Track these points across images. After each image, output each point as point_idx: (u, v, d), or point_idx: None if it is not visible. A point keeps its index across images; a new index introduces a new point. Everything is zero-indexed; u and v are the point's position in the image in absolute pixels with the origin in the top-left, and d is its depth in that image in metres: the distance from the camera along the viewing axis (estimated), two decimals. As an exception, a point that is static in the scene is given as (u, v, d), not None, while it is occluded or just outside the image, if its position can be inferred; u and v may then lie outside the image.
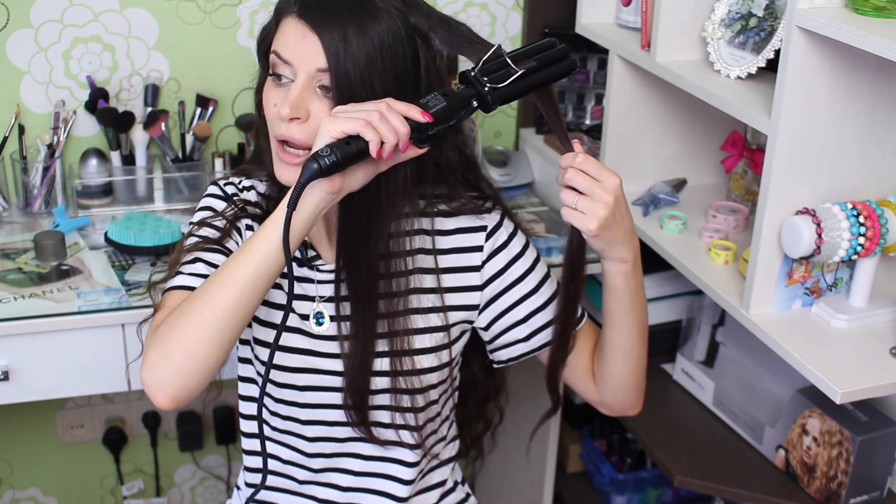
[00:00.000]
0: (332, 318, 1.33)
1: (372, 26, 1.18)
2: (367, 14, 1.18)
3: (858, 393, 1.34)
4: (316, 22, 1.17)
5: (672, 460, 1.69)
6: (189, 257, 1.29)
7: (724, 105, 1.50)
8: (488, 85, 1.18)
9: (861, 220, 1.40)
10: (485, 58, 1.21)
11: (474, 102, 1.19)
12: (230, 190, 1.38)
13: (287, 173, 1.22)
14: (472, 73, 1.19)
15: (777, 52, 1.48)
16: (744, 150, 1.78)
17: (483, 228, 1.35)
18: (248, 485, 1.48)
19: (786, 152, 1.39)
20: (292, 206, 1.11)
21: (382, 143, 1.11)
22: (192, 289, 1.26)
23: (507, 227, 1.37)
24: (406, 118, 1.13)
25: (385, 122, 1.11)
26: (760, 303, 1.48)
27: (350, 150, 1.11)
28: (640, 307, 1.35)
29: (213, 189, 1.39)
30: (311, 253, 1.35)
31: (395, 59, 1.19)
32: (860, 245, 1.40)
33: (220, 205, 1.37)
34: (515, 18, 2.14)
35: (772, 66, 1.48)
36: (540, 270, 1.40)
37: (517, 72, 1.20)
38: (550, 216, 2.00)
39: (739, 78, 1.56)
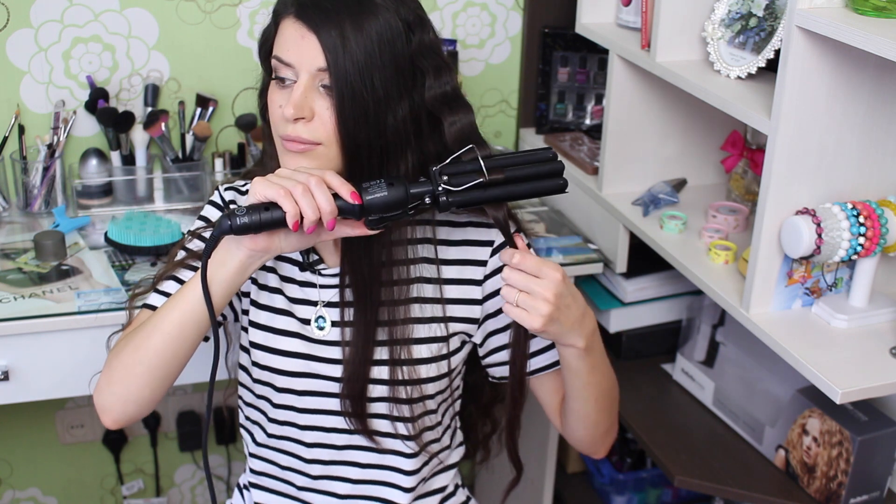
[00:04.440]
0: (333, 324, 1.33)
1: (369, 22, 1.17)
2: (364, 10, 1.18)
3: (858, 393, 1.34)
4: (313, 21, 1.17)
5: (672, 460, 1.69)
6: (168, 273, 1.33)
7: (724, 105, 1.50)
8: (442, 186, 1.15)
9: (861, 220, 1.40)
10: (454, 155, 1.18)
11: (427, 199, 1.16)
12: (229, 196, 1.38)
13: (292, 164, 1.21)
14: (433, 169, 1.16)
15: (777, 52, 1.48)
16: (744, 150, 1.78)
17: (490, 243, 1.34)
18: (253, 485, 1.48)
19: (786, 152, 1.39)
20: (206, 256, 1.14)
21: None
22: (156, 309, 1.30)
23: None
24: (336, 196, 1.12)
25: (307, 197, 1.10)
26: (760, 303, 1.48)
27: (267, 217, 1.11)
28: (597, 381, 1.31)
29: (213, 196, 1.40)
30: (314, 257, 1.35)
31: (394, 53, 1.19)
32: (860, 245, 1.40)
33: (216, 214, 1.37)
34: (515, 18, 2.14)
35: (772, 66, 1.48)
36: None
37: (476, 181, 1.16)
38: (550, 216, 2.00)
39: (739, 78, 1.56)
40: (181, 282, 1.32)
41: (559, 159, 1.20)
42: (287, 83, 1.21)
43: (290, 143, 1.20)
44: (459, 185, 1.15)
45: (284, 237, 1.17)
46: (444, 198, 1.15)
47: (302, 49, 1.18)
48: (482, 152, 1.19)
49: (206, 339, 1.31)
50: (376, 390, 1.32)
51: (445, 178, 1.15)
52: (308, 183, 1.11)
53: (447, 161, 1.17)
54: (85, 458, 2.28)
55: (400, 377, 1.31)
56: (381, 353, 1.31)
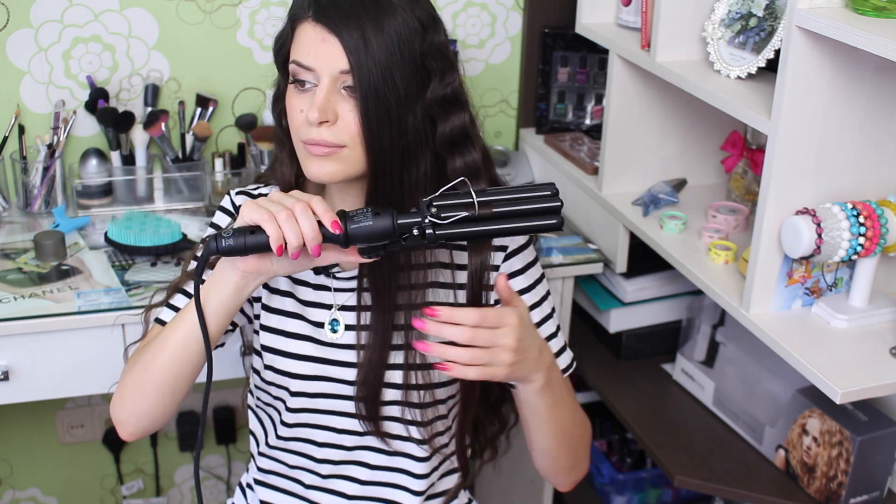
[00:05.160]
0: (347, 328, 1.33)
1: (388, 21, 1.18)
2: (382, 10, 1.18)
3: (858, 393, 1.34)
4: (334, 24, 1.17)
5: (672, 460, 1.69)
6: (179, 285, 1.33)
7: (724, 105, 1.50)
8: (429, 218, 1.12)
9: (861, 220, 1.40)
10: (446, 186, 1.15)
11: (415, 231, 1.13)
12: (240, 200, 1.37)
13: (317, 168, 1.22)
14: (423, 200, 1.13)
15: (777, 52, 1.48)
16: (744, 150, 1.78)
17: (503, 248, 1.34)
18: (259, 482, 1.48)
19: (786, 152, 1.39)
20: (198, 277, 1.15)
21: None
22: (165, 324, 1.31)
23: (527, 255, 1.36)
24: (320, 224, 1.11)
25: (291, 222, 1.10)
26: (760, 303, 1.48)
27: (251, 241, 1.11)
28: (558, 417, 1.29)
29: (224, 202, 1.39)
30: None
31: (413, 51, 1.19)
32: (860, 245, 1.40)
33: (226, 221, 1.38)
34: (515, 18, 2.14)
35: (772, 66, 1.48)
36: (545, 308, 1.38)
37: (464, 214, 1.12)
38: (550, 216, 2.00)
39: (739, 78, 1.56)
40: (190, 295, 1.32)
41: (558, 196, 1.16)
42: (307, 87, 1.21)
43: (315, 146, 1.20)
44: (448, 217, 1.13)
45: (276, 260, 1.16)
46: (431, 230, 1.12)
47: (323, 52, 1.18)
48: (476, 186, 1.17)
49: (221, 344, 1.32)
50: (389, 394, 1.32)
51: (434, 209, 1.13)
52: (293, 208, 1.11)
53: (438, 192, 1.15)
54: (85, 458, 2.28)
55: (413, 381, 1.31)
56: (396, 357, 1.31)
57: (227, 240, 1.12)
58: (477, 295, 1.27)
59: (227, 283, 1.18)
